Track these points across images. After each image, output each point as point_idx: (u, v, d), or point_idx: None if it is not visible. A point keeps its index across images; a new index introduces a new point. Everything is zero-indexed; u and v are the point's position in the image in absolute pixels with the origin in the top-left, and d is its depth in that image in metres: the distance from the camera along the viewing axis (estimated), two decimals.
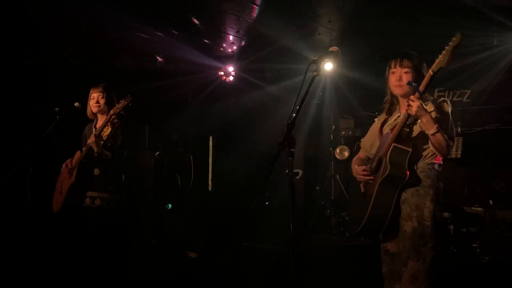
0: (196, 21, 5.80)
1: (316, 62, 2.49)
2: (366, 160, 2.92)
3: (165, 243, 6.12)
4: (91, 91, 3.82)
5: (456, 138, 6.18)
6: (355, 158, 3.03)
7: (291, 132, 2.32)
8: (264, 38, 6.19)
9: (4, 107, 5.43)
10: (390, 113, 2.85)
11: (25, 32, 5.41)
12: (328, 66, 6.19)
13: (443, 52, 2.45)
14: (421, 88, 2.52)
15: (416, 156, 2.61)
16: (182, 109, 7.30)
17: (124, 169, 3.79)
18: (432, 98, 2.70)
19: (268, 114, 7.42)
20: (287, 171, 2.30)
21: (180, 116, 7.20)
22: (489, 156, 6.14)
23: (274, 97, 7.42)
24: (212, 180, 7.80)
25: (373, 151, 2.84)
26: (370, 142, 2.91)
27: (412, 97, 2.50)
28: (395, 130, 2.60)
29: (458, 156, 6.14)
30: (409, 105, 2.50)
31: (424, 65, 2.71)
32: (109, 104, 3.77)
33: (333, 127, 7.87)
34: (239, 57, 7.25)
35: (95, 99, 3.76)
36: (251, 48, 6.70)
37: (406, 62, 2.67)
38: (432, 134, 2.49)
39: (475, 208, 5.51)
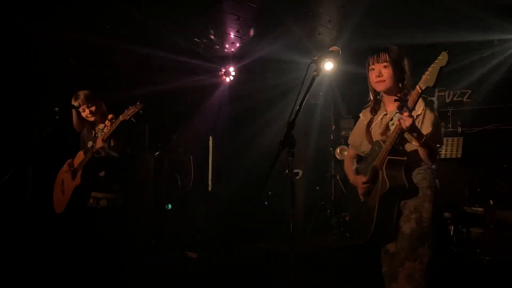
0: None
1: (316, 62, 2.48)
2: (357, 159, 2.92)
3: (165, 243, 6.11)
4: (74, 103, 3.73)
5: (456, 138, 6.24)
6: (346, 157, 3.02)
7: (291, 132, 2.32)
8: (264, 38, 6.19)
9: (4, 108, 5.42)
10: (375, 111, 2.80)
11: (25, 32, 5.41)
12: (328, 66, 6.16)
13: (429, 69, 2.33)
14: (410, 104, 2.42)
15: (411, 162, 2.61)
16: (182, 109, 7.29)
17: (128, 166, 3.79)
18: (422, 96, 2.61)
19: (268, 114, 7.42)
20: (287, 171, 2.30)
21: (180, 116, 7.19)
22: (489, 156, 6.13)
23: (274, 97, 7.41)
24: (212, 180, 7.80)
25: (363, 149, 2.83)
26: (359, 140, 2.88)
27: (405, 114, 2.38)
28: (387, 143, 2.56)
29: (458, 156, 6.14)
30: (401, 120, 2.41)
31: (405, 59, 2.64)
32: (100, 108, 3.77)
33: (333, 127, 7.86)
34: (239, 57, 7.24)
35: (85, 111, 3.73)
36: (251, 48, 6.70)
37: (383, 56, 2.62)
38: (420, 146, 2.48)
39: (475, 208, 5.49)
